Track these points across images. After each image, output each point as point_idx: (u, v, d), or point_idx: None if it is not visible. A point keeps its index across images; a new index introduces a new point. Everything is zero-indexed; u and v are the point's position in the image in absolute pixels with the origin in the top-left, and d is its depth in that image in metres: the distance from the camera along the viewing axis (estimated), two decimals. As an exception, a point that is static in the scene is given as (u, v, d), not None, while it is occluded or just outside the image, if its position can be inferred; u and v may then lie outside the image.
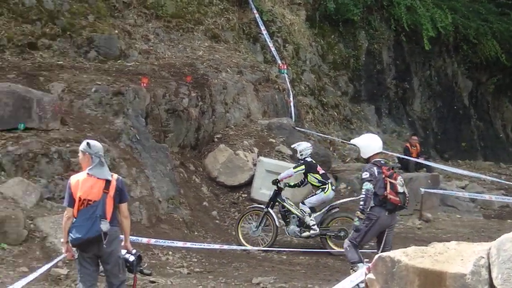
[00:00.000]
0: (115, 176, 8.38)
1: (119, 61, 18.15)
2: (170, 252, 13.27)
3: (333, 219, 14.39)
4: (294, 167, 14.64)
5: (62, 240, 8.66)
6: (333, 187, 14.79)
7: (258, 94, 19.78)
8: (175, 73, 18.24)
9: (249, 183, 17.01)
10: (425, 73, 29.59)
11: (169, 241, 12.90)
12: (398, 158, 21.39)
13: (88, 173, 8.22)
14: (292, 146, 15.44)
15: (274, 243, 14.45)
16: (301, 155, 14.66)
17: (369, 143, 11.07)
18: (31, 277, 10.04)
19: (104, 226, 7.99)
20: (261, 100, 19.80)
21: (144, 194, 14.48)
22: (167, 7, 20.32)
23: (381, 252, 8.36)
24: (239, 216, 14.95)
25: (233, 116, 18.78)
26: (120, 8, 19.52)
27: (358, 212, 10.67)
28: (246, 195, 16.81)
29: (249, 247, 14.32)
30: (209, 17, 21.15)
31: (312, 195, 14.70)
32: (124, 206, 8.39)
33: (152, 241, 12.56)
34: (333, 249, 14.16)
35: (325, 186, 14.45)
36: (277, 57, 21.23)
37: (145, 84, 16.07)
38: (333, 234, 14.24)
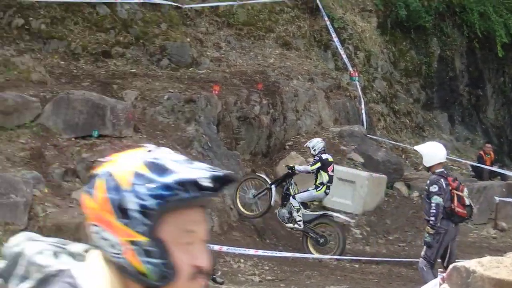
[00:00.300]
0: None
1: (191, 68, 18.26)
2: (242, 260, 13.25)
3: (320, 224, 14.63)
4: (311, 165, 14.83)
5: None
6: (328, 190, 14.87)
7: (329, 101, 19.66)
8: (246, 80, 18.27)
9: (320, 190, 16.88)
10: (499, 80, 28.99)
11: (241, 249, 12.89)
12: (472, 166, 21.00)
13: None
14: (304, 145, 15.76)
15: (263, 215, 14.96)
16: (314, 150, 14.84)
17: (433, 152, 10.84)
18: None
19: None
20: (332, 108, 19.68)
21: (216, 201, 14.51)
22: (238, 15, 20.38)
23: (447, 264, 8.18)
24: (238, 181, 14.99)
25: (304, 124, 18.70)
26: (192, 17, 19.65)
27: (429, 228, 10.42)
28: (317, 203, 16.70)
29: (320, 255, 14.27)
30: (280, 24, 21.12)
31: (304, 191, 14.89)
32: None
33: (224, 248, 12.57)
34: (310, 251, 14.43)
35: (320, 186, 14.66)
36: (349, 64, 21.08)
37: (216, 92, 16.11)
38: (313, 236, 14.50)
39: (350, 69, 21.05)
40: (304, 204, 14.80)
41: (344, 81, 21.02)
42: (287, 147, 17.87)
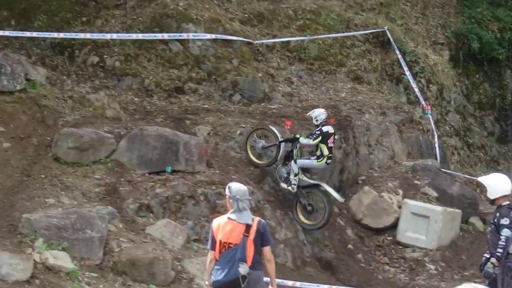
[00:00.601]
0: (257, 219, 8.37)
1: (263, 103, 18.31)
2: (315, 296, 13.12)
3: (311, 192, 15.24)
4: (313, 139, 15.11)
5: (206, 282, 8.73)
6: (328, 161, 15.29)
7: (402, 135, 19.45)
8: (318, 115, 18.20)
9: (394, 225, 16.65)
10: None
11: (314, 285, 12.77)
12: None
13: (228, 217, 8.26)
14: (307, 114, 15.91)
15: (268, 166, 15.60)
16: (316, 120, 15.19)
17: (498, 183, 10.61)
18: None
19: (243, 269, 7.99)
20: (405, 141, 19.45)
21: (289, 236, 14.46)
22: (309, 50, 20.39)
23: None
24: (249, 131, 15.82)
25: (377, 158, 18.52)
26: (264, 52, 19.75)
27: (495, 259, 10.20)
28: (391, 238, 16.49)
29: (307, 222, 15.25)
30: (351, 58, 21.05)
31: (306, 158, 15.47)
32: (267, 250, 8.35)
33: (297, 284, 12.48)
34: (298, 216, 15.20)
35: (321, 158, 15.07)
36: (421, 98, 20.83)
37: (288, 126, 16.10)
38: (303, 202, 15.14)
39: (423, 102, 20.80)
40: (306, 170, 15.32)
41: (417, 114, 20.77)
42: (360, 181, 17.68)
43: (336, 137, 15.63)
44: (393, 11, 23.22)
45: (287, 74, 19.66)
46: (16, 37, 18.30)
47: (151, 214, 13.38)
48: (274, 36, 20.04)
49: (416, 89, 20.94)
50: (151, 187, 13.83)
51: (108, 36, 18.26)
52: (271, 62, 19.75)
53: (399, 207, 16.71)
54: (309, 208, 15.13)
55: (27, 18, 19.06)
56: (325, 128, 15.14)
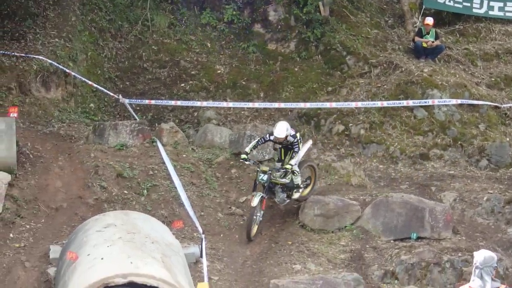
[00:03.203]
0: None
1: (511, 169, 17.75)
2: None
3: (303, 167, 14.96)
4: (302, 146, 14.92)
5: None
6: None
7: None
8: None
9: None
10: None
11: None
12: None
13: (470, 286, 8.11)
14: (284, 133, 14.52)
15: None
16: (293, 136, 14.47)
17: None
18: None
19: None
20: None
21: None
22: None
23: None
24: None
25: None
26: (511, 115, 19.23)
27: None
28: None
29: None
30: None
31: (295, 154, 14.52)
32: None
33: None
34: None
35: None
36: None
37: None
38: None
39: None
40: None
41: None
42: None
43: None
44: None
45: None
46: (265, 108, 19.23)
47: (396, 281, 13.35)
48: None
49: None
50: (396, 254, 13.83)
51: (353, 104, 18.67)
52: (519, 126, 19.15)
53: None
54: (308, 181, 15.27)
55: (275, 90, 19.99)
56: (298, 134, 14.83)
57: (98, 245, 10.30)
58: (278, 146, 14.82)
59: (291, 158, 14.50)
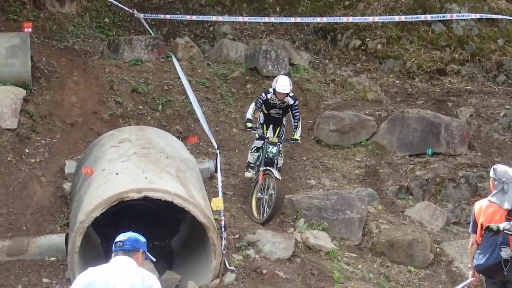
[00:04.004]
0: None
1: (528, 84, 17.62)
2: None
3: None
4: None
5: (468, 265, 8.64)
6: None
7: None
8: None
9: None
10: None
11: None
12: None
13: (489, 200, 8.08)
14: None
15: None
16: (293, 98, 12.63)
17: None
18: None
19: (505, 253, 7.78)
20: None
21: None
22: None
23: None
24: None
25: None
26: (531, 30, 18.98)
27: None
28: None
29: None
30: None
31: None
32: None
33: None
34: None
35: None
36: None
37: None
38: None
39: None
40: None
41: None
42: None
43: None
44: None
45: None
46: (281, 23, 19.02)
47: (410, 197, 13.39)
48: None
49: None
50: (411, 170, 13.83)
51: (370, 19, 18.45)
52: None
53: None
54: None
55: (291, 4, 19.73)
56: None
57: (113, 160, 10.37)
58: (273, 111, 12.92)
59: (286, 131, 13.13)
